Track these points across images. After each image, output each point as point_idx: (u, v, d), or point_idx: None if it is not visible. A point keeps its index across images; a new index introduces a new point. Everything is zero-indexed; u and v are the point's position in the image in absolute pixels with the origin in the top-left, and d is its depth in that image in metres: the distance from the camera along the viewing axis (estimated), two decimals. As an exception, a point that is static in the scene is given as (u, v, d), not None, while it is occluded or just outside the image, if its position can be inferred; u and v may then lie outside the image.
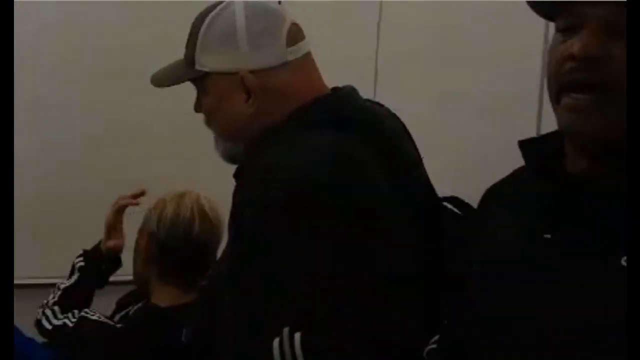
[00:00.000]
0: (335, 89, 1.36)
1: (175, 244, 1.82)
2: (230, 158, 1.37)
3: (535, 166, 1.06)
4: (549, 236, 0.98)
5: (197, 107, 1.38)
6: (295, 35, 1.32)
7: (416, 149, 1.40)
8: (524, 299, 0.96)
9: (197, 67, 1.32)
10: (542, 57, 2.04)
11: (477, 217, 1.21)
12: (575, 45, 0.93)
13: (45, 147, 2.83)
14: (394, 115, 1.39)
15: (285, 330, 1.10)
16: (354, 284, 1.13)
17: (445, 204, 1.37)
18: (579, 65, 0.93)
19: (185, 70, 1.35)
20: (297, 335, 1.09)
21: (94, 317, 1.85)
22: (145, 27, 2.90)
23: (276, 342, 1.10)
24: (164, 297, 1.86)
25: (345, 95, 1.34)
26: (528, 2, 1.01)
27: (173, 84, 1.38)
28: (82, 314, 1.85)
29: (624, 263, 0.88)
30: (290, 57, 1.30)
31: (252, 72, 1.28)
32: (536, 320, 0.94)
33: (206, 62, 1.31)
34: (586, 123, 0.94)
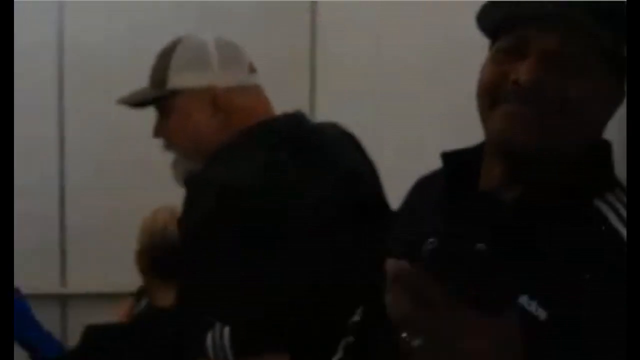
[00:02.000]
0: (285, 114, 1.51)
1: (157, 248, 2.02)
2: (187, 178, 1.50)
3: (450, 179, 1.07)
4: None
5: (158, 132, 1.54)
6: (252, 67, 1.51)
7: (368, 162, 1.53)
8: None
9: (169, 86, 1.48)
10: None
11: (400, 210, 1.26)
12: (521, 72, 0.93)
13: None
14: (345, 134, 1.53)
15: (217, 324, 1.25)
16: (279, 285, 1.27)
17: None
18: (522, 92, 0.94)
19: (153, 91, 1.51)
20: (226, 330, 1.25)
21: (99, 323, 2.04)
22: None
23: (210, 334, 1.26)
24: (162, 298, 2.04)
25: (293, 119, 1.50)
26: (476, 18, 1.02)
27: (142, 103, 1.55)
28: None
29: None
30: (251, 82, 1.48)
31: (222, 89, 1.46)
32: None
33: (178, 81, 1.47)
34: (519, 130, 0.94)
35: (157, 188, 2.00)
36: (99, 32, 2.92)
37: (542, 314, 0.87)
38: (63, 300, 3.06)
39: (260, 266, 1.27)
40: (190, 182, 1.42)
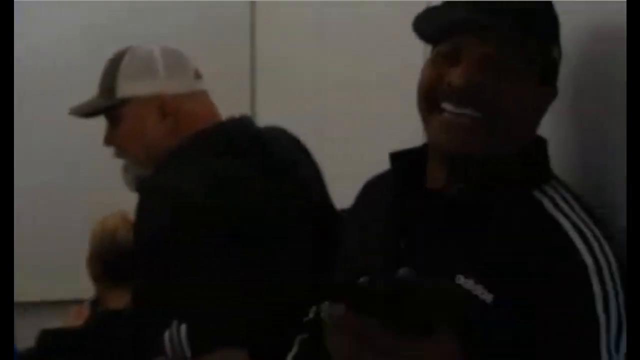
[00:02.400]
0: (231, 118, 1.56)
1: (109, 252, 2.06)
2: (139, 184, 1.55)
3: (398, 179, 1.12)
4: (402, 246, 1.07)
5: (109, 140, 1.59)
6: (198, 73, 1.56)
7: (314, 166, 1.60)
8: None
9: (119, 95, 1.52)
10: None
11: (351, 212, 1.33)
12: (454, 75, 1.00)
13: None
14: (292, 138, 1.59)
15: (174, 323, 1.30)
16: (232, 285, 1.32)
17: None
18: (457, 95, 1.00)
19: (103, 100, 1.56)
20: (183, 327, 1.30)
21: (53, 328, 2.06)
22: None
23: (167, 332, 1.31)
24: (116, 301, 2.07)
25: (240, 123, 1.55)
26: (413, 25, 1.07)
27: (92, 113, 1.59)
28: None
29: (457, 281, 0.96)
30: (197, 88, 1.54)
31: (170, 96, 1.51)
32: None
33: (127, 89, 1.52)
34: (462, 137, 1.01)
35: (107, 192, 2.05)
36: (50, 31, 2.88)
37: (488, 297, 0.94)
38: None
39: (216, 266, 1.32)
40: (143, 189, 1.47)
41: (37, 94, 2.75)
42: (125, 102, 1.52)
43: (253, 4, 2.93)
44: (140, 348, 1.51)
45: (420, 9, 1.05)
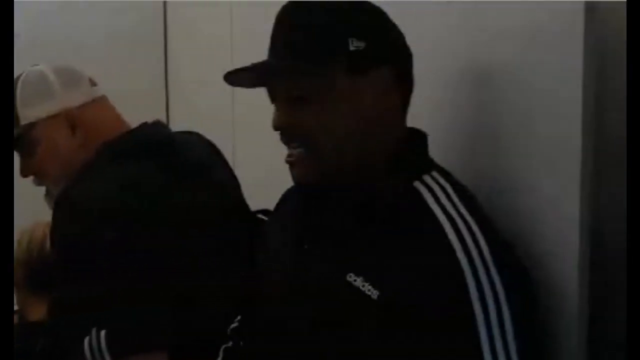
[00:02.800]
0: (144, 123, 1.59)
1: (34, 260, 2.06)
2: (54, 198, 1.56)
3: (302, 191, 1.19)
4: (306, 247, 1.13)
5: (25, 170, 1.60)
6: (93, 82, 1.59)
7: (229, 170, 1.65)
8: (288, 300, 1.13)
9: (22, 122, 1.54)
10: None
11: (270, 217, 1.40)
12: (273, 119, 1.09)
13: None
14: (206, 142, 1.64)
15: (93, 330, 1.33)
16: (144, 289, 1.36)
17: (259, 215, 1.61)
18: (281, 136, 1.09)
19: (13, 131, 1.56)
20: (102, 333, 1.33)
21: None
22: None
23: (86, 340, 1.34)
24: (35, 312, 2.07)
25: (149, 129, 1.58)
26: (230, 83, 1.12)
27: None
28: None
29: (348, 279, 1.01)
30: (96, 95, 1.56)
31: (73, 109, 1.53)
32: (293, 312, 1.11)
33: (30, 114, 1.54)
34: (301, 171, 1.09)
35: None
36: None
37: (374, 294, 0.97)
38: None
39: (130, 270, 1.35)
40: (55, 201, 1.50)
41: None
42: (31, 126, 1.54)
43: (165, 4, 2.96)
44: (60, 359, 1.53)
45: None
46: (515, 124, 1.11)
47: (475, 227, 0.97)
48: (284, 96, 1.08)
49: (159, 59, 3.12)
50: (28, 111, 1.54)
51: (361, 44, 1.04)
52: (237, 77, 1.08)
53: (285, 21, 1.07)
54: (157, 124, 1.62)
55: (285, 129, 1.07)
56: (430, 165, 1.10)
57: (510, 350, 0.92)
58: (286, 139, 1.09)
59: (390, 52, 1.08)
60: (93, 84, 1.59)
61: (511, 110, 1.13)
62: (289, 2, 1.08)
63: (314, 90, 1.05)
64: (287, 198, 1.32)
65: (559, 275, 1.03)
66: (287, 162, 1.10)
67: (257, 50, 2.24)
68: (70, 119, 1.53)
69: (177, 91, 3.03)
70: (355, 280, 1.00)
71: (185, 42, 2.96)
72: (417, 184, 1.05)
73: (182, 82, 2.98)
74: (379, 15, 1.10)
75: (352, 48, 1.04)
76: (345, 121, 1.05)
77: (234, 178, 1.68)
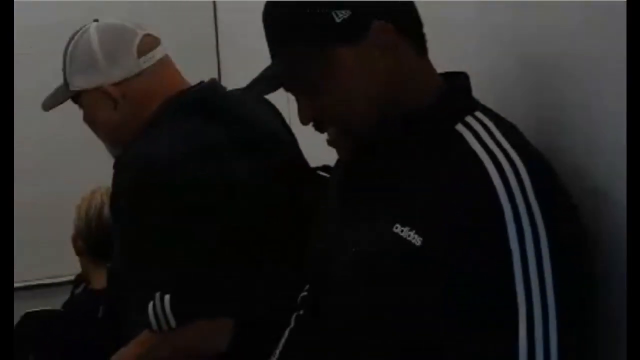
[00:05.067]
0: (200, 83, 1.54)
1: (93, 230, 2.04)
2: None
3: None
4: (353, 206, 1.12)
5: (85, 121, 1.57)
6: (149, 45, 1.49)
7: (287, 129, 1.59)
8: (337, 237, 1.12)
9: (71, 88, 1.52)
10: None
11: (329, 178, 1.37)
12: (299, 115, 1.09)
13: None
14: (264, 101, 1.57)
15: (157, 294, 1.29)
16: (211, 253, 1.31)
17: (319, 172, 1.55)
18: (314, 127, 1.10)
19: (63, 93, 1.55)
20: (167, 297, 1.29)
21: (36, 309, 2.05)
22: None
23: (150, 304, 1.30)
24: (98, 280, 2.06)
25: (208, 87, 1.53)
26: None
27: (56, 106, 1.58)
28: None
29: (394, 229, 0.99)
30: (144, 66, 1.48)
31: (113, 84, 1.47)
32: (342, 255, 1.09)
33: (76, 82, 1.51)
34: (341, 150, 1.12)
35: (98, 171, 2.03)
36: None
37: (417, 241, 0.96)
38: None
39: (198, 233, 1.31)
40: (116, 164, 1.46)
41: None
42: (79, 94, 1.52)
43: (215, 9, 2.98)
44: (122, 324, 1.50)
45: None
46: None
47: (518, 162, 0.94)
48: (299, 90, 1.08)
49: (211, 65, 3.10)
50: (73, 79, 1.51)
51: (346, 13, 1.03)
52: (257, 87, 1.09)
53: (268, 21, 1.08)
54: (213, 82, 1.56)
55: (312, 120, 1.09)
56: (472, 106, 1.06)
57: (547, 289, 0.89)
58: (318, 128, 1.10)
59: (379, 9, 1.05)
60: (145, 49, 1.49)
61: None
62: (266, 2, 1.09)
63: (321, 75, 1.04)
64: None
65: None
66: (329, 145, 1.12)
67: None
68: (111, 95, 1.47)
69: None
70: (402, 231, 0.98)
71: (236, 47, 2.94)
72: (459, 126, 1.02)
73: (235, 86, 2.96)
74: None
75: (338, 20, 1.03)
76: (361, 91, 1.05)
77: (293, 136, 1.61)
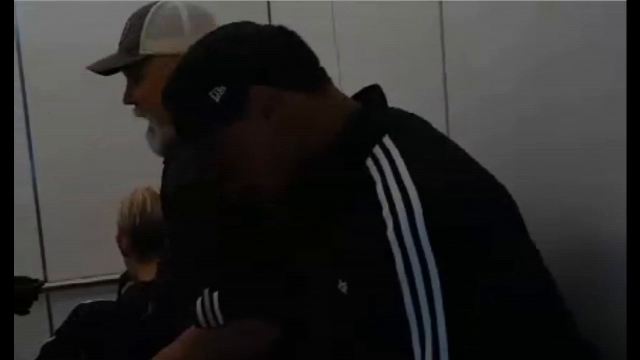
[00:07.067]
0: None
1: (137, 225, 2.10)
2: (165, 145, 1.52)
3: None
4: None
5: (129, 97, 1.56)
6: None
7: None
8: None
9: (142, 51, 1.51)
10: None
11: None
12: None
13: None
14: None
15: (205, 290, 1.33)
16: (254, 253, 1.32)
17: None
18: None
19: (125, 57, 1.54)
20: (215, 294, 1.32)
21: (89, 301, 2.10)
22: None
23: (199, 301, 1.33)
24: (146, 274, 2.10)
25: None
26: None
27: (113, 67, 1.57)
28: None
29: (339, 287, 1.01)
30: None
31: None
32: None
33: (151, 46, 1.51)
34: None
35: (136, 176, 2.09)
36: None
37: (344, 288, 0.99)
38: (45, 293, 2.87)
39: (250, 233, 1.31)
40: (166, 161, 1.49)
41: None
42: (148, 59, 1.51)
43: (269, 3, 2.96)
44: (170, 317, 1.53)
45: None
46: None
47: (415, 202, 0.92)
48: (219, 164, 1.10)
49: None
50: (149, 43, 1.51)
51: (222, 89, 1.03)
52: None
53: (169, 109, 1.12)
54: None
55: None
56: (380, 132, 1.03)
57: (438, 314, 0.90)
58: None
59: (251, 75, 1.04)
60: None
61: None
62: (164, 88, 1.12)
63: (226, 146, 1.06)
64: None
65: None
66: None
67: (360, 44, 2.21)
68: None
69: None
70: (342, 287, 0.99)
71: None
72: (369, 162, 1.00)
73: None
74: (226, 44, 1.09)
75: (217, 100, 1.04)
76: (264, 160, 1.05)
77: None
